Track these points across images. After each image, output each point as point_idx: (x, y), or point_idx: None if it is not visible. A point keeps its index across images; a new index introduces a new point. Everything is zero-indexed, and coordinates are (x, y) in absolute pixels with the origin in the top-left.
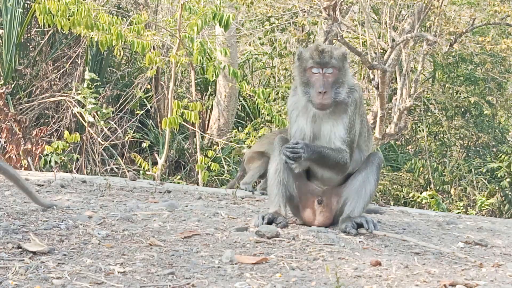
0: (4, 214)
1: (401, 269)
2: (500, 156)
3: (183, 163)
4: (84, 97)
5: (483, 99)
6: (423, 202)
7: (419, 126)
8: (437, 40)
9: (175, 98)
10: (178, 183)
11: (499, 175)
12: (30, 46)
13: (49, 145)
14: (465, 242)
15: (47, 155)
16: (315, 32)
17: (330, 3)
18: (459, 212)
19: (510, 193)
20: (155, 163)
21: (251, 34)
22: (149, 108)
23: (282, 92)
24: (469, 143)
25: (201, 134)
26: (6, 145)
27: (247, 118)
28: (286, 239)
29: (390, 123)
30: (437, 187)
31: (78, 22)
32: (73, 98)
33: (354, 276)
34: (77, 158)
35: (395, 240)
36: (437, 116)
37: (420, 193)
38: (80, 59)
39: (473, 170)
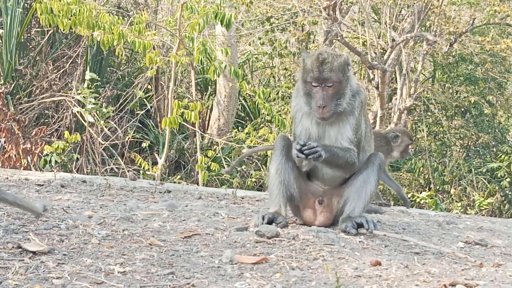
0: (4, 214)
1: (401, 269)
2: (500, 156)
3: (183, 163)
4: (84, 97)
5: (483, 99)
6: (422, 203)
7: (419, 126)
8: (437, 40)
9: (175, 98)
10: (178, 183)
11: (499, 175)
12: (30, 46)
13: (49, 145)
14: (465, 242)
15: (47, 155)
16: (315, 32)
17: (330, 3)
18: (457, 212)
19: (510, 193)
20: (155, 163)
21: (251, 34)
22: (149, 108)
23: (282, 92)
24: (469, 143)
25: (201, 134)
26: (6, 145)
27: (247, 118)
28: (286, 239)
29: (390, 123)
30: (437, 187)
31: (80, 22)
32: (73, 98)
33: (354, 276)
34: (77, 158)
35: (395, 240)
36: (437, 116)
37: (420, 193)
38: (80, 59)
39: (473, 170)
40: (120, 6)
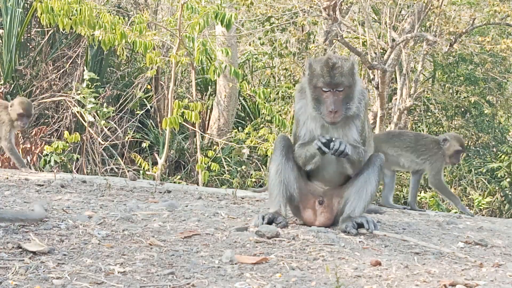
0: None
1: (401, 269)
2: (500, 156)
3: (183, 163)
4: (83, 97)
5: (483, 99)
6: (422, 202)
7: (419, 126)
8: (437, 40)
9: (175, 98)
10: (178, 183)
11: (499, 175)
12: (30, 46)
13: (49, 145)
14: (465, 242)
15: (47, 155)
16: (315, 32)
17: (330, 3)
18: (456, 212)
19: (510, 193)
20: (155, 163)
21: (251, 34)
22: (149, 108)
23: (282, 92)
24: (469, 143)
25: (201, 134)
26: None
27: (247, 118)
28: (286, 239)
29: (390, 123)
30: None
31: (80, 21)
32: (73, 98)
33: (354, 276)
34: (77, 158)
35: (395, 240)
36: (437, 116)
37: (420, 193)
38: (80, 59)
39: (473, 170)
40: (120, 6)
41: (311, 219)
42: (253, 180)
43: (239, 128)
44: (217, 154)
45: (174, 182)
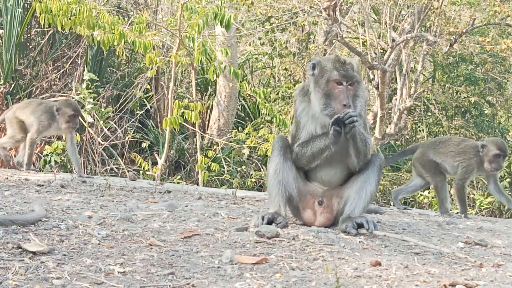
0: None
1: (401, 269)
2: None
3: (183, 163)
4: (83, 98)
5: (483, 99)
6: (424, 201)
7: (419, 126)
8: (437, 40)
9: (175, 98)
10: (178, 183)
11: (499, 175)
12: (30, 46)
13: (49, 145)
14: (465, 242)
15: (47, 155)
16: (315, 32)
17: (330, 3)
18: (457, 212)
19: (510, 193)
20: (155, 163)
21: (251, 34)
22: (149, 108)
23: (282, 92)
24: None
25: (201, 134)
26: None
27: (247, 118)
28: (286, 239)
29: (390, 123)
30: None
31: (80, 21)
32: (73, 98)
33: (354, 276)
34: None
35: (395, 240)
36: (437, 116)
37: (423, 191)
38: (80, 59)
39: None
40: (120, 6)
41: (311, 220)
42: (253, 180)
43: (239, 128)
44: (217, 154)
45: (174, 182)
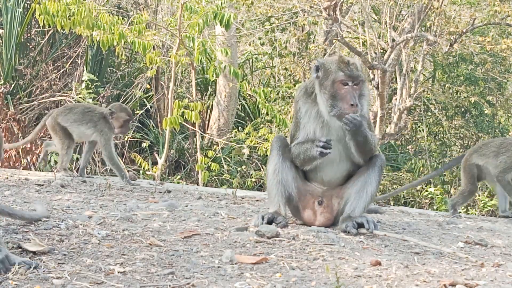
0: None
1: (401, 269)
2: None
3: (183, 163)
4: (82, 97)
5: (483, 99)
6: (428, 197)
7: (419, 126)
8: (437, 40)
9: (175, 98)
10: (178, 183)
11: None
12: (30, 46)
13: None
14: (465, 242)
15: (46, 155)
16: (315, 32)
17: (330, 3)
18: (460, 212)
19: None
20: (155, 163)
21: (251, 34)
22: (149, 108)
23: (282, 92)
24: (469, 143)
25: (201, 134)
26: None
27: (247, 118)
28: (286, 239)
29: (390, 123)
30: (437, 187)
31: (79, 22)
32: (72, 98)
33: (354, 276)
34: (77, 158)
35: (395, 240)
36: (437, 116)
37: (428, 188)
38: (80, 59)
39: None
40: (120, 6)
41: (311, 219)
42: (253, 180)
43: (239, 128)
44: (217, 154)
45: (174, 182)
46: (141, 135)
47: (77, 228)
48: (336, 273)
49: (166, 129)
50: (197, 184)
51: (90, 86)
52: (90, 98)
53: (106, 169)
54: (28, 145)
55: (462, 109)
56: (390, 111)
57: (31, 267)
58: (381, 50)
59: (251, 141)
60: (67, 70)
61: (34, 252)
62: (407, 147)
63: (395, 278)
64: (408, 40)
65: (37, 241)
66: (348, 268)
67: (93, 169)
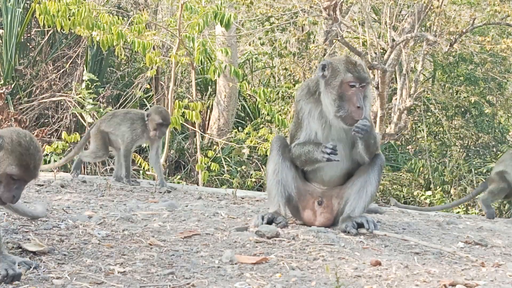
0: (4, 214)
1: (401, 269)
2: (500, 156)
3: (183, 163)
4: (82, 98)
5: (483, 99)
6: (426, 201)
7: (419, 126)
8: (437, 40)
9: (175, 98)
10: (178, 183)
11: None
12: (30, 46)
13: (49, 145)
14: (465, 242)
15: (46, 155)
16: (315, 32)
17: (330, 3)
18: (458, 212)
19: None
20: None
21: (251, 34)
22: (149, 108)
23: (282, 92)
24: (469, 143)
25: (201, 134)
26: None
27: (247, 118)
28: (286, 239)
29: (390, 123)
30: (437, 187)
31: (79, 22)
32: (72, 98)
33: (354, 276)
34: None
35: (395, 240)
36: (437, 116)
37: (425, 192)
38: (80, 59)
39: (473, 170)
40: (120, 6)
41: (311, 220)
42: (253, 180)
43: (239, 128)
44: (217, 154)
45: (174, 182)
46: None
47: (77, 228)
48: (336, 273)
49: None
50: (197, 184)
51: (90, 86)
52: (90, 98)
53: (106, 169)
54: None
55: (462, 109)
56: (390, 111)
57: (31, 267)
58: (381, 50)
59: (251, 141)
60: (67, 70)
61: (34, 252)
62: (407, 147)
63: (395, 278)
64: (408, 40)
65: (37, 241)
66: (348, 268)
67: (93, 169)
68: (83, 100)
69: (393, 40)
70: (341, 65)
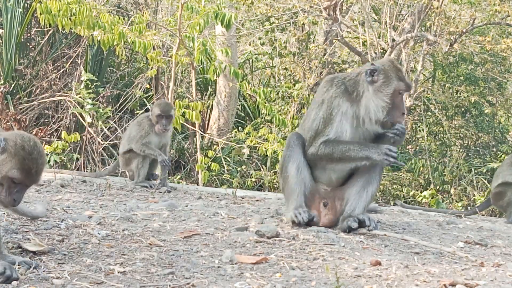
0: (4, 214)
1: (401, 269)
2: (500, 156)
3: (183, 163)
4: (81, 97)
5: (483, 99)
6: (423, 202)
7: (419, 126)
8: (437, 40)
9: (175, 98)
10: (178, 183)
11: None
12: (30, 46)
13: (49, 145)
14: (465, 242)
15: (46, 155)
16: (315, 32)
17: (330, 3)
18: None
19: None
20: None
21: (251, 34)
22: (149, 107)
23: (282, 92)
24: (469, 143)
25: (201, 134)
26: None
27: (247, 118)
28: (286, 239)
29: None
30: (437, 187)
31: (80, 21)
32: (72, 98)
33: (354, 276)
34: (77, 158)
35: (395, 240)
36: (437, 116)
37: (421, 192)
38: (80, 59)
39: (473, 170)
40: (120, 6)
41: (316, 220)
42: (253, 180)
43: (239, 128)
44: (217, 154)
45: (174, 182)
46: None
47: (77, 228)
48: (336, 273)
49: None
50: (197, 184)
51: (90, 86)
52: (90, 98)
53: (106, 168)
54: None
55: (462, 109)
56: None
57: (31, 267)
58: (381, 50)
59: (251, 141)
60: (67, 70)
61: (34, 252)
62: (407, 147)
63: (395, 278)
64: (408, 40)
65: (37, 241)
66: (348, 268)
67: (93, 169)
68: (83, 100)
69: (393, 40)
70: (393, 72)
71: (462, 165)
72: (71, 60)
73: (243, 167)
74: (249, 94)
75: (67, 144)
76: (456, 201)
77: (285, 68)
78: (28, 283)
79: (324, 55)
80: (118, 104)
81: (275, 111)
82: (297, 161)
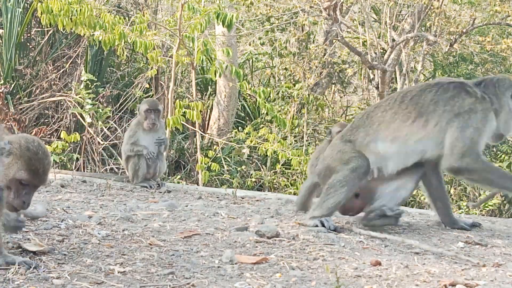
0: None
1: (401, 269)
2: (500, 156)
3: (183, 163)
4: (81, 97)
5: None
6: (422, 202)
7: None
8: (437, 40)
9: (175, 98)
10: (178, 183)
11: None
12: (30, 46)
13: (48, 145)
14: (465, 242)
15: None
16: (315, 32)
17: (330, 3)
18: (461, 212)
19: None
20: None
21: (251, 34)
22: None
23: (282, 92)
24: None
25: (201, 134)
26: None
27: (247, 118)
28: (286, 239)
29: None
30: None
31: (81, 21)
32: (72, 98)
33: (354, 276)
34: (77, 158)
35: (395, 240)
36: None
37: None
38: (80, 59)
39: None
40: (120, 6)
41: (347, 210)
42: (253, 180)
43: (239, 128)
44: (217, 154)
45: (174, 182)
46: None
47: (77, 228)
48: (336, 273)
49: (166, 129)
50: (197, 184)
51: (90, 86)
52: (90, 98)
53: (106, 169)
54: None
55: None
56: None
57: (31, 267)
58: (381, 50)
59: (251, 141)
60: (67, 70)
61: (34, 252)
62: None
63: (395, 278)
64: (408, 40)
65: (37, 241)
66: (348, 268)
67: (92, 168)
68: (83, 100)
69: (393, 40)
70: None
71: None
72: (71, 60)
73: (243, 167)
74: (249, 94)
75: (67, 144)
76: (456, 201)
77: (285, 68)
78: (28, 283)
79: (324, 55)
80: (118, 104)
81: (275, 111)
82: (358, 167)
